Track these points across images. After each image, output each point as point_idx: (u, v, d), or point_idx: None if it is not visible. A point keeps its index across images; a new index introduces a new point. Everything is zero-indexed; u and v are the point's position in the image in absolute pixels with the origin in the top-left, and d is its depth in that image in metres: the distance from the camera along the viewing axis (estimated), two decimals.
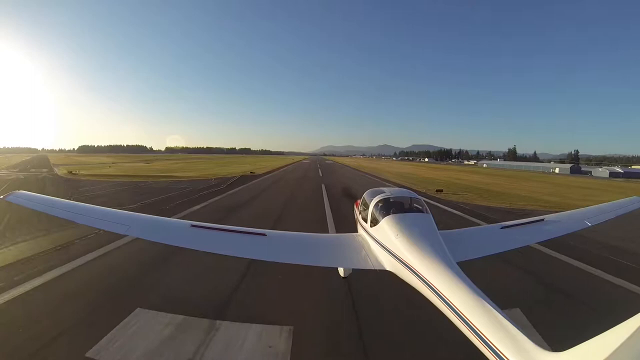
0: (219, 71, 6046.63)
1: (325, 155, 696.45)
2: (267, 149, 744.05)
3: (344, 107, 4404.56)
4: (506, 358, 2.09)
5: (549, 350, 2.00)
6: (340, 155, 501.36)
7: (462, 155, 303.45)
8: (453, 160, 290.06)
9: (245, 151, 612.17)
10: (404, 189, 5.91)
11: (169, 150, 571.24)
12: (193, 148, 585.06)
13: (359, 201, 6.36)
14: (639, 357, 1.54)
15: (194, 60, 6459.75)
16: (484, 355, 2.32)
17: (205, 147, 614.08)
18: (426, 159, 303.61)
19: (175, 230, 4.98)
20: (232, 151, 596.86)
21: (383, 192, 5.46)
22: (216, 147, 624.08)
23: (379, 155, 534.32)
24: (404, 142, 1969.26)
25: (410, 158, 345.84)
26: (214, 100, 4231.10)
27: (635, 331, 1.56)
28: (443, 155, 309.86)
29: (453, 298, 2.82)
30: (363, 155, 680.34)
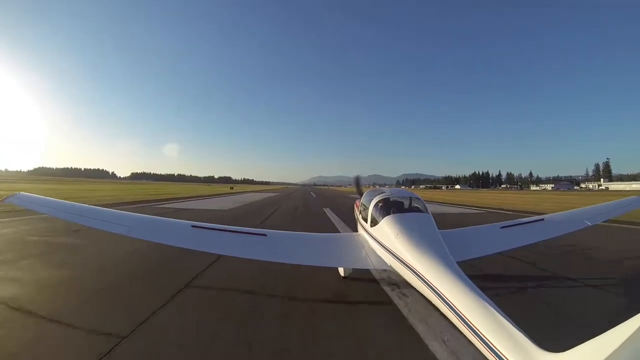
0: (199, 92, 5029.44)
1: (316, 185, 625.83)
2: (251, 178, 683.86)
3: (334, 138, 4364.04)
4: (506, 358, 2.10)
5: (549, 350, 1.99)
6: (333, 186, 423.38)
7: (511, 179, 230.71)
8: (503, 186, 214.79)
9: (225, 180, 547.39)
10: (404, 189, 5.88)
11: (135, 176, 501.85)
12: (164, 175, 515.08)
13: (359, 201, 6.38)
14: (639, 357, 1.54)
15: (171, 77, 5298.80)
16: (484, 355, 2.31)
17: (176, 174, 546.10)
18: (457, 186, 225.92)
19: (176, 230, 4.95)
20: (209, 179, 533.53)
21: (383, 192, 5.43)
22: (190, 175, 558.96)
23: (374, 185, 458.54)
24: (394, 172, 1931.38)
25: (432, 186, 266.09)
26: (196, 127, 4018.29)
27: (635, 331, 1.57)
28: (481, 181, 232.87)
29: (453, 298, 2.82)
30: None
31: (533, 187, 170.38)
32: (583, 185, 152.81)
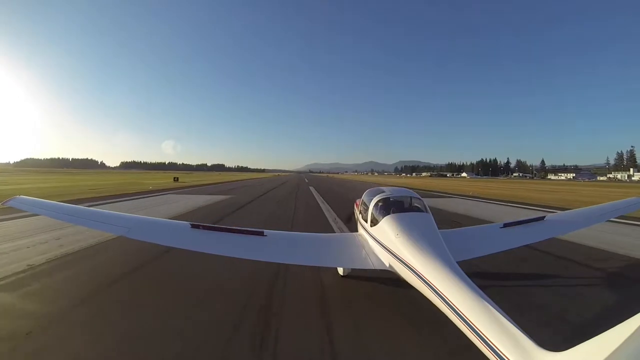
0: (195, 81, 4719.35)
1: (311, 172, 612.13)
2: (246, 166, 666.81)
3: (329, 125, 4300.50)
4: (506, 358, 2.10)
5: (549, 350, 1.99)
6: (329, 173, 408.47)
7: (522, 168, 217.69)
8: (515, 174, 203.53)
9: (218, 168, 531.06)
10: (404, 189, 5.76)
11: (124, 165, 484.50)
12: (154, 164, 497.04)
13: (359, 201, 6.37)
14: (639, 357, 1.54)
15: (162, 60, 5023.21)
16: (484, 354, 2.32)
17: (167, 162, 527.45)
18: (464, 174, 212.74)
19: (174, 231, 5.01)
20: (201, 167, 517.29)
21: (383, 191, 5.37)
22: (181, 164, 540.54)
23: (372, 172, 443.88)
24: (390, 158, 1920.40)
25: (437, 174, 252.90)
26: (191, 115, 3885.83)
27: (635, 331, 1.56)
28: (490, 169, 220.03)
29: (453, 297, 2.83)
30: (356, 171, 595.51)
31: (552, 177, 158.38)
32: (611, 176, 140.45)
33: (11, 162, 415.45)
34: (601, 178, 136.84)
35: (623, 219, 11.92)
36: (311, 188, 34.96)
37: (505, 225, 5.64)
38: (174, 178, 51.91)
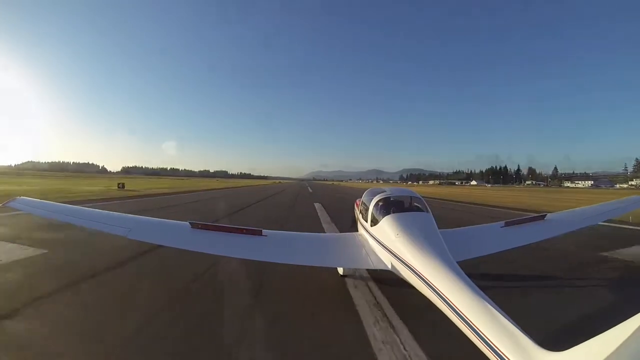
0: (200, 88, 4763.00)
1: (315, 179, 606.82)
2: (249, 173, 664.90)
3: (332, 134, 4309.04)
4: (506, 357, 2.10)
5: (549, 350, 1.99)
6: (334, 180, 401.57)
7: (534, 175, 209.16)
8: (528, 182, 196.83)
9: (221, 174, 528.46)
10: (404, 188, 5.87)
11: (126, 170, 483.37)
12: (155, 169, 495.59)
13: (359, 200, 6.42)
14: (638, 357, 1.53)
15: (169, 70, 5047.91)
16: (484, 354, 2.31)
17: (169, 168, 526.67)
18: (473, 182, 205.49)
19: (174, 231, 5.07)
20: (203, 174, 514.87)
21: (383, 191, 5.39)
22: (183, 170, 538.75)
23: (377, 180, 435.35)
24: (394, 166, 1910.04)
25: (440, 182, 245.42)
26: (195, 122, 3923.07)
27: (635, 331, 1.55)
28: (502, 176, 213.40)
29: (453, 297, 2.83)
30: (360, 179, 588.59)
31: (569, 185, 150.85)
32: (633, 183, 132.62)
33: (13, 164, 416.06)
34: (622, 185, 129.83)
35: (623, 224, 12.23)
36: (317, 206, 20.64)
37: (506, 224, 5.58)
38: (119, 185, 39.19)
